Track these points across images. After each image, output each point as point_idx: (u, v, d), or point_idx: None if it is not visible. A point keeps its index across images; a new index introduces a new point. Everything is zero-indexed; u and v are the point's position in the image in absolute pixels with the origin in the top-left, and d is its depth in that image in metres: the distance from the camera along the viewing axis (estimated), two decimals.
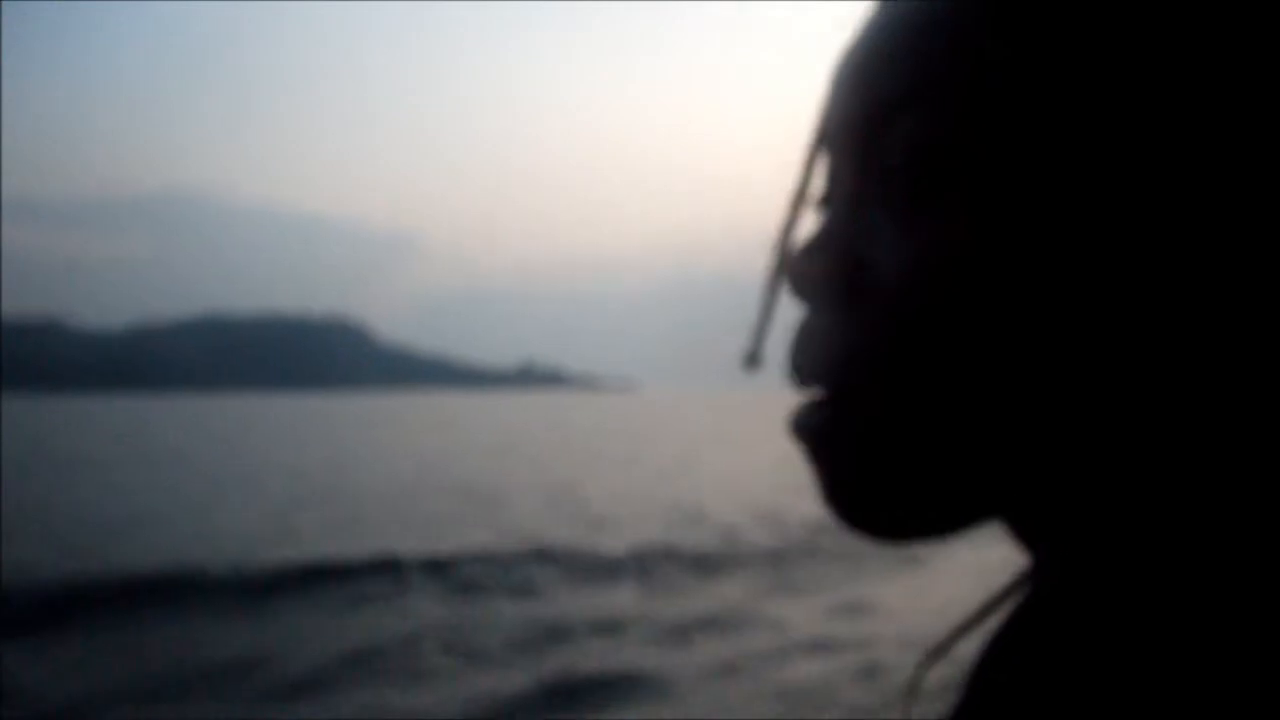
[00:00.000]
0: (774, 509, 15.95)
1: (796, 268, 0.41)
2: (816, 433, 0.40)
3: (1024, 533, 0.42)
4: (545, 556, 12.09)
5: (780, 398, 0.44)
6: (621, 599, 10.44)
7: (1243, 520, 0.34)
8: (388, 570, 11.31)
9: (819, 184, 0.46)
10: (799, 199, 0.47)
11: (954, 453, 0.37)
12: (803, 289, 0.41)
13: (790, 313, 0.45)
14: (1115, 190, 0.35)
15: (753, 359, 0.48)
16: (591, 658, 8.03)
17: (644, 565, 11.83)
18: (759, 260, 0.48)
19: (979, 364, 0.36)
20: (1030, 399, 0.36)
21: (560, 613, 9.78)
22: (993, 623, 0.43)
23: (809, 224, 0.46)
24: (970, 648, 0.44)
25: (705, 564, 12.07)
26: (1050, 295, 0.36)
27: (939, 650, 0.50)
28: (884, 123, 0.39)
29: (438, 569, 11.40)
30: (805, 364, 0.41)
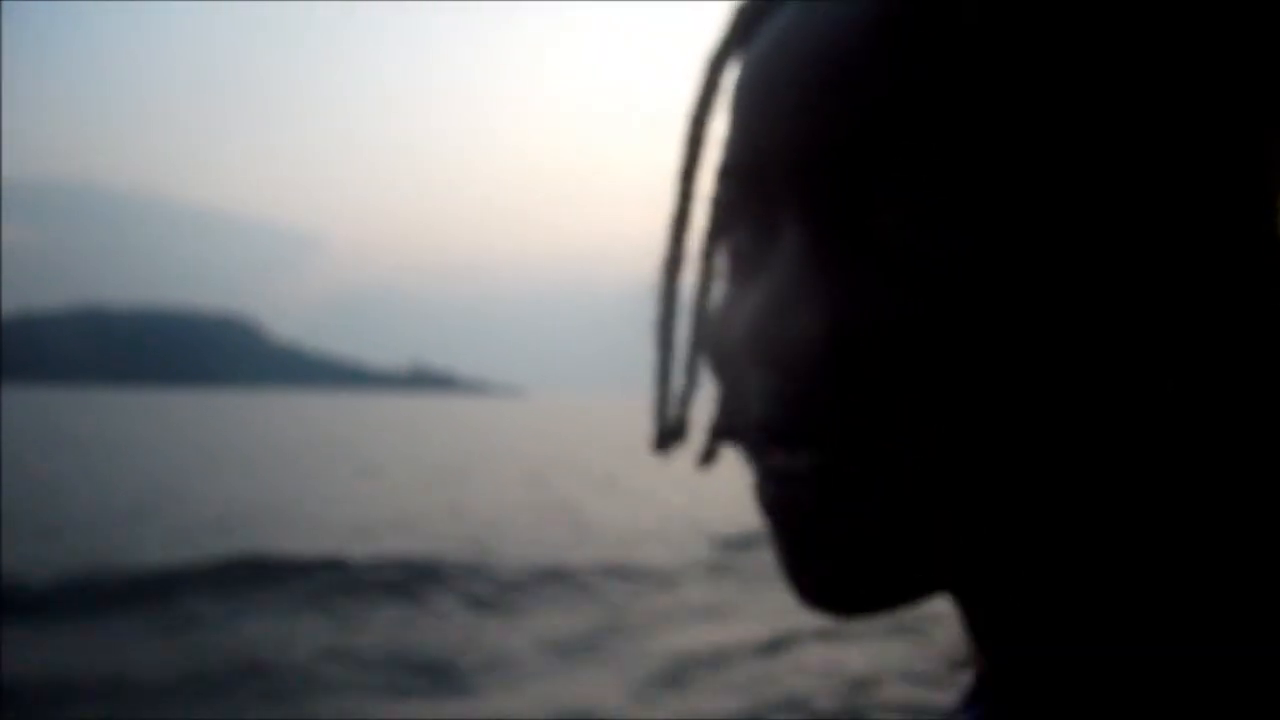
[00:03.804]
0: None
1: (759, 332, 0.35)
2: (802, 509, 0.35)
3: (978, 618, 0.39)
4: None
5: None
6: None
7: (1219, 625, 0.33)
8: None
9: (700, 218, 0.43)
10: (679, 234, 0.43)
11: (925, 525, 0.34)
12: (769, 357, 0.35)
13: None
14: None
15: (675, 434, 0.44)
16: None
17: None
18: (645, 272, 0.43)
19: (978, 431, 0.33)
20: (1006, 468, 0.33)
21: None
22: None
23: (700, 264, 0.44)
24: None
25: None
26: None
27: None
28: (861, 153, 0.34)
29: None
30: (781, 426, 0.36)
